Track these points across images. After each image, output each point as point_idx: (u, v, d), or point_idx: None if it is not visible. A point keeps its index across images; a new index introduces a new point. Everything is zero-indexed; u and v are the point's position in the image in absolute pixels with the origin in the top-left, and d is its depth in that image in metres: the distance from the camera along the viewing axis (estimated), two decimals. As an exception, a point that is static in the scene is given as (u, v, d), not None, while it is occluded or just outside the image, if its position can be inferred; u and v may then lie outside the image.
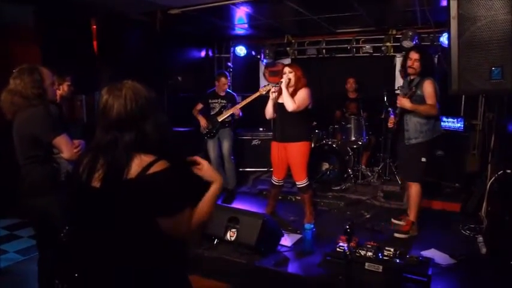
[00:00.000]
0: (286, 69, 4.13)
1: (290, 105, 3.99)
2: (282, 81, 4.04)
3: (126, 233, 1.48)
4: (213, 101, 5.48)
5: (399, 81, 5.83)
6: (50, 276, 2.54)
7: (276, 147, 4.30)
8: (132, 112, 1.48)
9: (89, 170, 1.51)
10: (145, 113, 1.51)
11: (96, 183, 1.49)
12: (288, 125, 4.14)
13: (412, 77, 4.02)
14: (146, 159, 1.46)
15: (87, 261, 1.55)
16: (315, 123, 6.17)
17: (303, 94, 4.06)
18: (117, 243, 1.49)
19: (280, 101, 4.15)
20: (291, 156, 4.21)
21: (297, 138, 4.15)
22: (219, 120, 5.37)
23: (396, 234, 4.09)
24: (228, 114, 5.35)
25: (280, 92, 4.12)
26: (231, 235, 3.66)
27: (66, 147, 2.48)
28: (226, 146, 5.49)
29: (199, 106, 5.53)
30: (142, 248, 1.49)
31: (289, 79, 4.06)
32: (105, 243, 1.50)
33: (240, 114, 5.40)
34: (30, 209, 2.55)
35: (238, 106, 5.27)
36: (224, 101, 5.44)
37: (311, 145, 4.23)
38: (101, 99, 1.52)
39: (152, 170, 1.43)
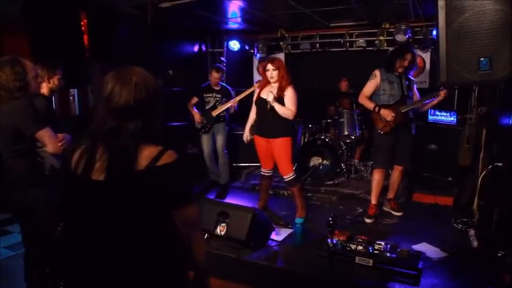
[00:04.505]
0: (270, 66, 4.05)
1: (288, 114, 4.01)
2: (269, 98, 3.98)
3: (136, 229, 1.40)
4: (208, 95, 5.42)
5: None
6: (41, 275, 2.51)
7: (259, 140, 4.30)
8: (142, 101, 1.40)
9: (87, 162, 1.40)
10: (154, 103, 1.44)
11: (97, 176, 1.38)
12: (269, 121, 4.12)
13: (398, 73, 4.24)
14: (153, 149, 1.39)
15: (89, 260, 1.44)
16: (297, 118, 6.13)
17: (291, 97, 4.03)
18: (125, 240, 1.40)
19: (262, 96, 4.12)
20: (274, 152, 4.20)
21: (277, 134, 4.13)
22: (214, 114, 5.32)
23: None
24: (223, 109, 5.30)
25: (261, 87, 4.19)
26: (221, 230, 3.64)
27: (49, 141, 2.45)
28: (220, 140, 5.46)
29: (194, 100, 5.48)
30: (153, 244, 1.43)
31: (272, 77, 4.03)
32: (110, 240, 1.41)
33: (236, 107, 5.34)
34: (14, 203, 2.52)
35: (233, 101, 5.21)
36: (219, 95, 5.39)
37: (292, 140, 4.23)
38: (106, 86, 1.41)
39: (162, 161, 1.37)
